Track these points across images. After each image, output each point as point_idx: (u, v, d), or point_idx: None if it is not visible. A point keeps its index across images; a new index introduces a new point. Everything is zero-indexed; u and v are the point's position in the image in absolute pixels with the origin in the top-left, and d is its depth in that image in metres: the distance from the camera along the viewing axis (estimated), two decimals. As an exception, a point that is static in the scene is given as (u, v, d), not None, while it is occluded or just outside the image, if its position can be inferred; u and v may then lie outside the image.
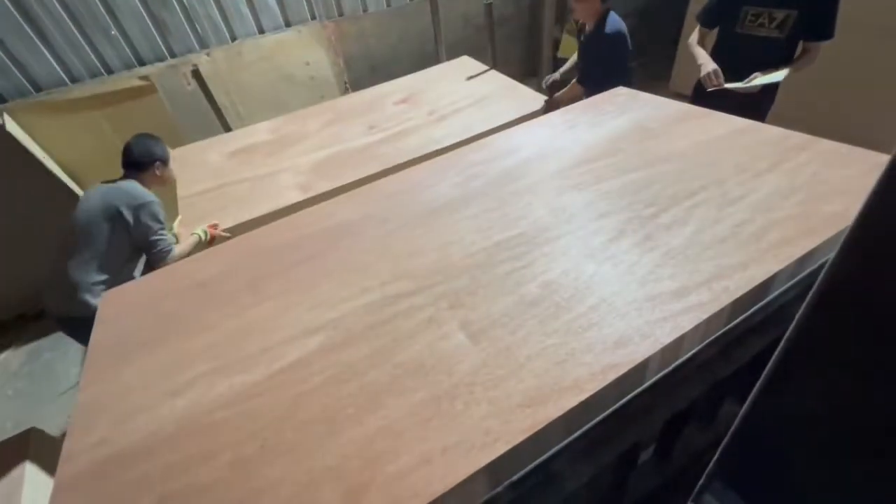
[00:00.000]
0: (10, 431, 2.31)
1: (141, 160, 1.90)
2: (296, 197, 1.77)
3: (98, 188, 1.89)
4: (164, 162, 1.96)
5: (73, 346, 2.84)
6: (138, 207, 1.82)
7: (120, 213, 1.80)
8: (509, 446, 0.74)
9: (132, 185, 1.88)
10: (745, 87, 1.97)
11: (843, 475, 0.40)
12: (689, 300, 0.92)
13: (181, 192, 2.00)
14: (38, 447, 1.80)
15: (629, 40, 2.22)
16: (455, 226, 1.25)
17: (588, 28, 2.27)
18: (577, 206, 1.23)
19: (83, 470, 0.83)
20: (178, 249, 1.82)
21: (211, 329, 1.07)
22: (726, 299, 0.91)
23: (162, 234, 1.84)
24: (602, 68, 2.22)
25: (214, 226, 1.74)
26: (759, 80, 1.96)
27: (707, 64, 2.05)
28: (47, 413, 2.51)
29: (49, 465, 1.76)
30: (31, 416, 2.48)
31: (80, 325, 1.68)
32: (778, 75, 1.95)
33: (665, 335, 0.86)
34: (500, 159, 1.53)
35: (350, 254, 1.22)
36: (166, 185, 2.02)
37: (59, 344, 2.90)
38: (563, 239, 1.13)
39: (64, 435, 0.91)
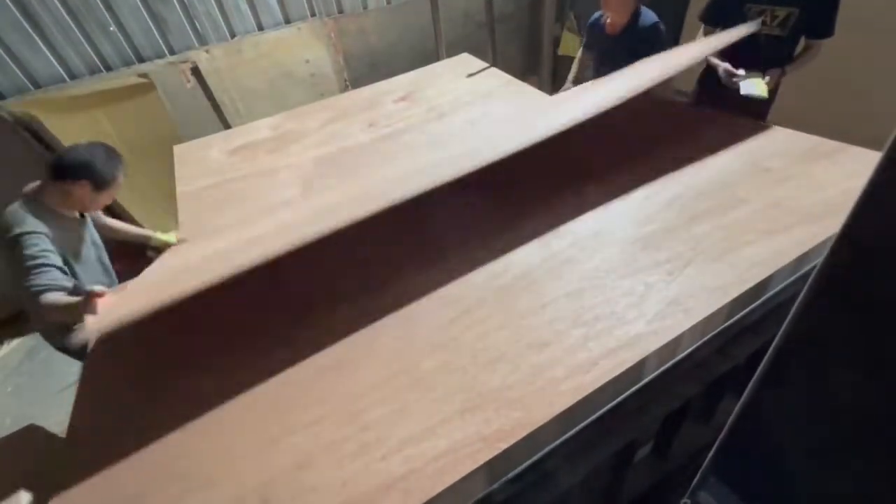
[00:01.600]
0: (10, 428, 2.31)
1: (64, 169, 1.46)
2: (296, 194, 1.75)
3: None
4: (98, 185, 1.49)
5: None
6: (9, 241, 1.41)
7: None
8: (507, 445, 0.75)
9: (12, 211, 1.46)
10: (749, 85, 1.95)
11: (837, 471, 0.40)
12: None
13: (181, 188, 1.97)
14: (38, 443, 1.81)
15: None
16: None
17: (619, 25, 2.18)
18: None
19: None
20: (60, 298, 1.35)
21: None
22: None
23: (33, 275, 1.37)
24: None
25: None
26: (748, 82, 1.95)
27: (720, 64, 2.04)
28: (46, 410, 2.51)
29: (48, 463, 1.76)
30: (30, 413, 2.48)
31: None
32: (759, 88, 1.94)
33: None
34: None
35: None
36: (86, 210, 1.64)
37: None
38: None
39: (63, 432, 0.91)
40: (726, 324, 0.96)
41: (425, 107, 2.24)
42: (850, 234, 0.30)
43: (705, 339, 0.94)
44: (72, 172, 1.46)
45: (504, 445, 0.75)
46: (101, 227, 1.81)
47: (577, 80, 2.39)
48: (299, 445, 0.81)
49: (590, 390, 0.80)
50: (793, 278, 1.03)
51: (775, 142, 1.39)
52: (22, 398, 2.62)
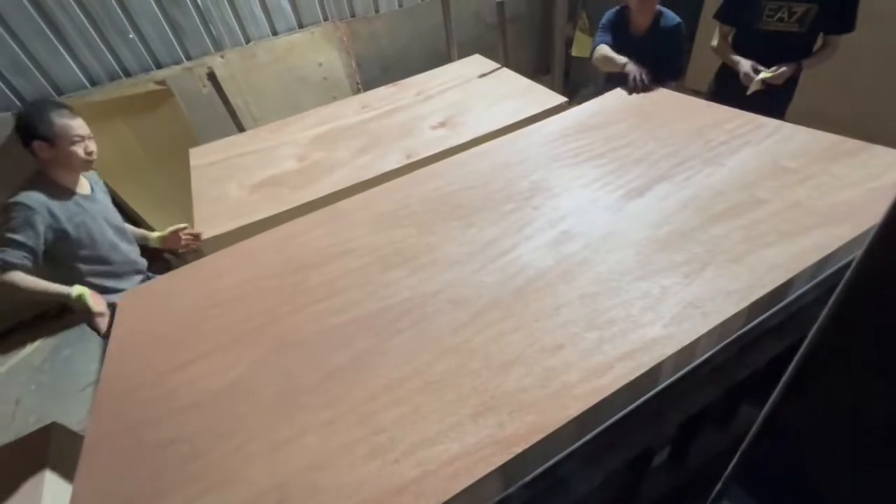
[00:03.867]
0: (34, 425, 2.38)
1: (22, 141, 1.47)
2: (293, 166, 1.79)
3: None
4: (49, 139, 1.46)
5: (93, 343, 2.91)
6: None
7: None
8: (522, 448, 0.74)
9: (22, 181, 1.53)
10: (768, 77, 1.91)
11: (867, 482, 0.38)
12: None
13: (193, 162, 2.06)
14: (59, 441, 1.85)
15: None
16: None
17: (643, 26, 2.16)
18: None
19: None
20: (25, 279, 1.43)
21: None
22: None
23: (4, 248, 1.41)
24: (664, 65, 2.07)
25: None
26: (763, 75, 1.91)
27: (743, 64, 2.00)
28: (68, 408, 2.57)
29: (69, 459, 1.80)
30: (52, 411, 2.55)
31: None
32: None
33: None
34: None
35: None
36: (73, 168, 1.58)
37: (79, 341, 2.98)
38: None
39: (83, 430, 0.93)
40: (745, 328, 0.94)
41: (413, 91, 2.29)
42: (886, 235, 0.28)
43: (723, 343, 0.92)
44: (24, 141, 1.47)
45: (518, 449, 0.74)
46: None
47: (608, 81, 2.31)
48: (312, 447, 0.81)
49: (605, 394, 0.79)
50: (814, 282, 1.00)
51: (795, 140, 1.36)
52: (45, 396, 2.69)
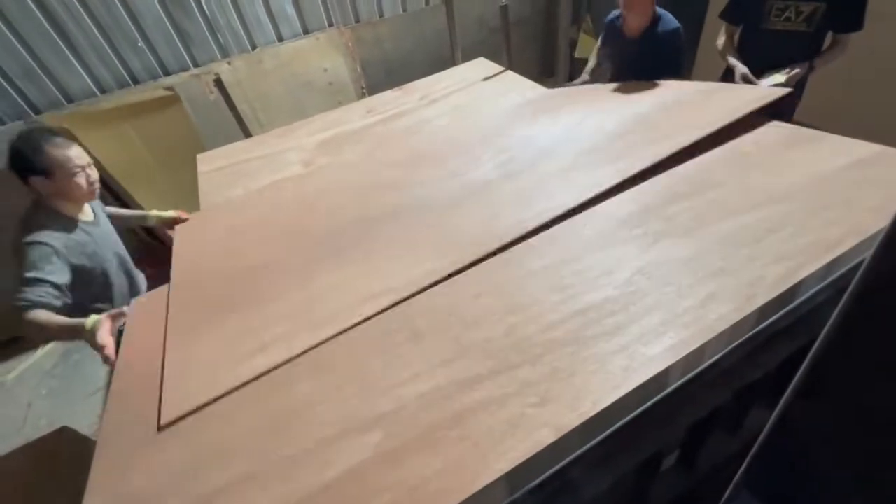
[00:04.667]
0: (45, 428, 2.41)
1: (20, 177, 1.40)
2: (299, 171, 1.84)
3: None
4: (45, 172, 1.39)
5: (103, 347, 2.94)
6: (19, 247, 1.39)
7: None
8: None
9: (29, 216, 1.45)
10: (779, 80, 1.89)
11: (880, 488, 0.38)
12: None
13: (201, 168, 2.11)
14: (70, 445, 1.87)
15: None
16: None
17: (638, 29, 2.11)
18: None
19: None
20: (44, 317, 1.31)
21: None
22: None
23: (21, 288, 1.32)
24: (662, 68, 2.05)
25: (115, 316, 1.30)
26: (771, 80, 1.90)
27: (738, 68, 2.01)
28: (78, 412, 2.60)
29: (80, 462, 1.81)
30: (63, 415, 2.57)
31: None
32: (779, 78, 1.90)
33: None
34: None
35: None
36: (75, 199, 1.52)
37: (89, 346, 3.01)
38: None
39: (93, 434, 0.94)
40: (754, 330, 0.93)
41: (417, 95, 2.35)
42: None
43: (733, 346, 0.91)
44: (21, 177, 1.39)
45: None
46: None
47: (593, 73, 2.37)
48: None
49: (614, 398, 0.79)
50: (825, 283, 0.99)
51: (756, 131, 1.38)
52: (56, 400, 2.72)
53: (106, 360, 1.22)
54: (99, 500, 0.83)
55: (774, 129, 1.42)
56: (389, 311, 1.07)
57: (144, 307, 1.36)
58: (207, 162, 2.18)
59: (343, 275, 1.21)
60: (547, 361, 0.86)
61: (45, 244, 1.38)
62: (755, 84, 1.92)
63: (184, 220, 1.76)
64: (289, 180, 1.83)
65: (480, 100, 2.21)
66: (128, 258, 1.77)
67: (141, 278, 1.85)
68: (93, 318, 1.28)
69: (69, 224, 1.50)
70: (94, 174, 1.53)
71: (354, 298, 1.11)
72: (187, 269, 1.45)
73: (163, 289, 1.40)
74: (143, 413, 0.98)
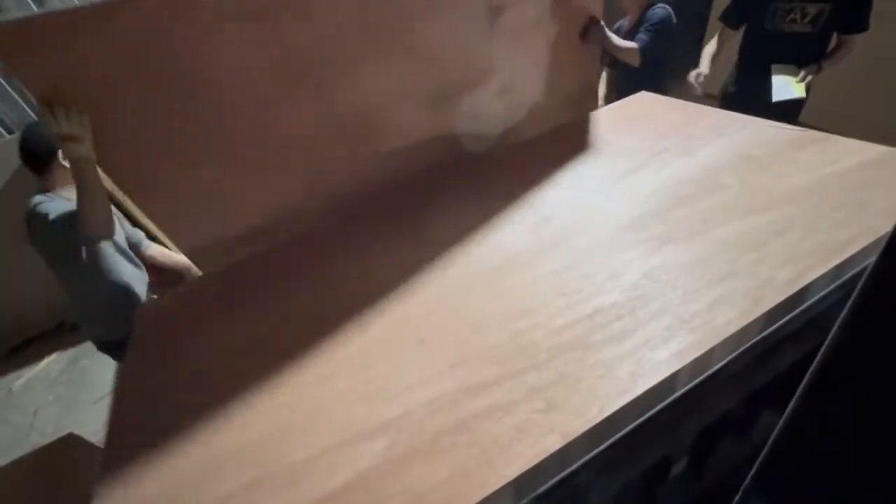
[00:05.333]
0: (51, 436, 2.42)
1: (37, 168, 1.57)
2: None
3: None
4: (60, 154, 1.58)
5: (109, 354, 2.96)
6: (46, 224, 1.54)
7: None
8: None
9: (38, 200, 1.59)
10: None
11: (892, 493, 0.37)
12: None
13: None
14: (76, 452, 1.87)
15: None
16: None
17: (631, 20, 2.30)
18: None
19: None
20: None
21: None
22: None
23: (73, 220, 1.42)
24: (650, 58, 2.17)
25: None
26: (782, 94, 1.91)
27: (702, 68, 2.13)
28: (84, 419, 2.61)
29: (86, 470, 1.82)
30: (69, 422, 2.59)
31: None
32: (794, 87, 1.90)
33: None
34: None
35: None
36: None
37: (96, 352, 3.02)
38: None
39: (99, 441, 0.94)
40: (763, 333, 0.92)
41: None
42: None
43: (741, 349, 0.90)
44: (31, 167, 1.54)
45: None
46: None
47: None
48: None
49: (622, 403, 0.78)
50: (834, 285, 0.98)
51: (765, 133, 1.38)
52: (62, 408, 2.74)
53: None
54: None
55: (782, 132, 1.40)
56: (395, 317, 1.06)
57: (153, 312, 1.36)
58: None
59: (333, 375, 0.97)
60: (554, 367, 0.85)
61: (47, 211, 1.52)
62: (793, 86, 1.89)
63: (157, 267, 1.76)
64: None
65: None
66: (130, 253, 1.84)
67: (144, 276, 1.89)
68: None
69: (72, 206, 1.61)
70: None
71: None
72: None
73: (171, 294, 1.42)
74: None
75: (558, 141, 1.69)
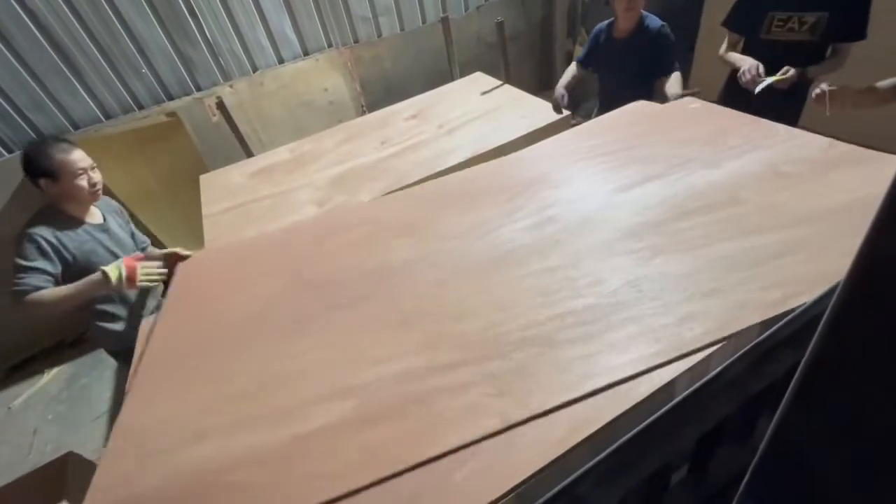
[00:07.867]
0: (50, 454, 2.40)
1: (29, 178, 1.54)
2: (313, 211, 1.75)
3: None
4: (52, 175, 1.52)
5: (108, 371, 2.95)
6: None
7: None
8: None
9: (33, 214, 1.60)
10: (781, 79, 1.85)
11: (880, 496, 0.37)
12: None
13: (206, 211, 1.95)
14: (75, 471, 1.86)
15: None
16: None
17: (627, 30, 2.22)
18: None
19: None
20: (48, 294, 1.47)
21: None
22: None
23: (19, 276, 1.46)
24: (656, 64, 2.17)
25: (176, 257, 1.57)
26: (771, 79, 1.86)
27: (746, 61, 1.92)
28: (83, 437, 2.59)
29: (85, 488, 1.80)
30: (68, 440, 2.57)
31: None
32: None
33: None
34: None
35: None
36: (75, 202, 1.63)
37: (95, 369, 3.01)
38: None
39: (97, 459, 0.95)
40: (759, 338, 0.91)
41: (435, 123, 2.28)
42: (874, 243, 0.28)
43: (737, 355, 0.90)
44: (32, 180, 1.54)
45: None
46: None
47: (569, 88, 2.32)
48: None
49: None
50: (827, 289, 0.97)
51: (806, 147, 1.33)
52: (62, 426, 2.72)
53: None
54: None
55: (828, 148, 1.28)
56: (387, 301, 1.12)
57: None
58: (210, 192, 2.09)
59: (327, 342, 1.06)
60: (515, 358, 0.89)
61: (39, 236, 1.52)
62: (770, 78, 1.81)
63: (183, 258, 1.62)
64: (301, 223, 1.64)
65: (501, 130, 2.05)
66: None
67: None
68: (110, 266, 1.47)
69: (71, 223, 1.62)
70: (97, 176, 1.65)
71: (321, 389, 0.96)
72: (171, 326, 1.27)
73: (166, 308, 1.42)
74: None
75: (578, 144, 1.63)
